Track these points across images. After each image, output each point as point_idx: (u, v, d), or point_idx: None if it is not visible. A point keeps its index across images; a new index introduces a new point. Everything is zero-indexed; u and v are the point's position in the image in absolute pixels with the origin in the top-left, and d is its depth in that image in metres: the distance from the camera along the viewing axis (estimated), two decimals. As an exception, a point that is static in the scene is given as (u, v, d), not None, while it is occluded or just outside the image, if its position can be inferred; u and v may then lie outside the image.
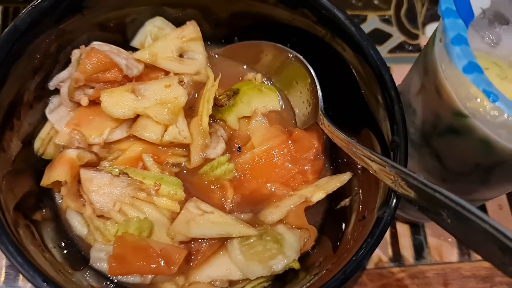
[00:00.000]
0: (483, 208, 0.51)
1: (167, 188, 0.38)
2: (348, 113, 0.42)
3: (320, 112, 0.40)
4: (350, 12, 0.60)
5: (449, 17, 0.30)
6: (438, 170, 0.39)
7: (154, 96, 0.40)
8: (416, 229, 0.49)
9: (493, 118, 0.29)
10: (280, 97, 0.45)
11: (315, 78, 0.41)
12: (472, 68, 0.29)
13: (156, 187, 0.38)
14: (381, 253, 0.48)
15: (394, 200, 0.34)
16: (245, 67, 0.46)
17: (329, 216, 0.41)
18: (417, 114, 0.38)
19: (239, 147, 0.42)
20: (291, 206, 0.40)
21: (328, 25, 0.40)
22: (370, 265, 0.47)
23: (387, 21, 0.60)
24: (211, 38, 0.46)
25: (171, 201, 0.38)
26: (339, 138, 0.38)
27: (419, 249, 0.48)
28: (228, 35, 0.46)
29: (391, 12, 0.60)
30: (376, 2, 0.60)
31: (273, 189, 0.41)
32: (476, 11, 0.31)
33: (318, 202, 0.40)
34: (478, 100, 0.29)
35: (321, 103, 0.40)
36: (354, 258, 0.32)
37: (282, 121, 0.44)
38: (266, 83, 0.45)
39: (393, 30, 0.59)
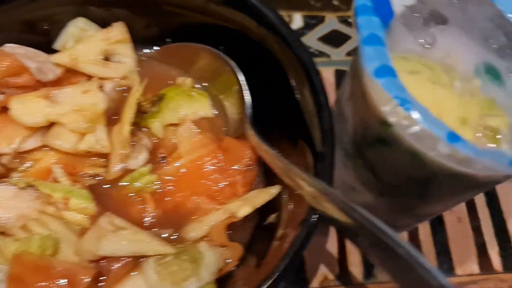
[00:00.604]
0: (440, 220, 0.47)
1: (77, 202, 0.35)
2: (284, 122, 0.38)
3: (246, 122, 0.37)
4: (308, 13, 0.56)
5: (364, 15, 0.27)
6: (374, 183, 0.35)
7: (70, 102, 0.37)
8: (367, 245, 0.46)
9: (407, 128, 0.25)
10: (212, 103, 0.41)
11: (242, 83, 0.38)
12: (385, 71, 0.25)
13: (65, 201, 0.35)
14: (327, 271, 0.44)
15: (315, 217, 0.30)
16: (177, 71, 0.42)
17: (258, 233, 0.38)
18: (349, 122, 0.34)
19: (163, 157, 0.39)
20: (215, 222, 0.36)
21: (261, 25, 0.37)
22: (315, 283, 0.44)
23: (346, 22, 0.56)
24: (142, 40, 0.42)
25: (81, 216, 0.35)
26: (264, 150, 0.34)
27: (369, 266, 0.45)
28: (160, 36, 0.43)
29: (350, 13, 0.57)
30: (335, 3, 0.57)
31: (198, 203, 0.38)
32: (398, 8, 0.28)
33: (246, 217, 0.37)
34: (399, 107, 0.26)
35: (248, 112, 0.37)
36: (267, 279, 0.29)
37: (214, 129, 0.41)
38: (198, 87, 0.42)
39: (352, 31, 0.56)
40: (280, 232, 0.34)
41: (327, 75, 0.53)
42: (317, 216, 0.30)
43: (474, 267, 0.46)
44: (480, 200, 0.49)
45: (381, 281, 0.44)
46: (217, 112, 0.41)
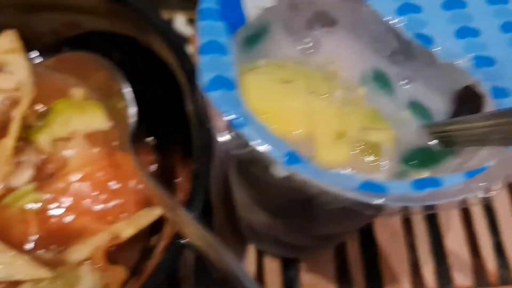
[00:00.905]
0: (370, 236, 0.44)
1: None
2: (175, 134, 0.36)
3: (128, 139, 0.34)
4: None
5: (206, 19, 0.24)
6: (263, 203, 0.33)
7: None
8: (288, 264, 0.43)
9: (241, 148, 0.22)
10: (109, 114, 0.39)
11: (127, 100, 0.35)
12: (220, 83, 0.22)
13: None
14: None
15: (178, 247, 0.28)
16: (74, 81, 0.40)
17: (143, 256, 0.35)
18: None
19: (51, 174, 0.36)
20: (99, 244, 0.34)
21: (149, 31, 0.34)
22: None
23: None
24: (37, 48, 0.40)
25: (-49, 239, 0.33)
26: (137, 170, 0.32)
27: (289, 281, 0.42)
28: (57, 45, 0.40)
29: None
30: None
31: (85, 223, 0.35)
32: (252, 12, 0.25)
33: (135, 238, 0.34)
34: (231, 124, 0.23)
35: (131, 129, 0.35)
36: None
37: (108, 142, 0.38)
38: (94, 98, 0.39)
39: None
40: (155, 254, 0.32)
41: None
42: (180, 243, 0.28)
43: (406, 286, 0.43)
44: (416, 213, 0.46)
45: (300, 303, 0.41)
46: (113, 125, 0.38)
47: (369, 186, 0.21)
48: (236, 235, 0.42)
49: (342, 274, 0.42)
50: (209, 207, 0.42)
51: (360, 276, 0.43)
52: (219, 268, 0.25)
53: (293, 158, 0.21)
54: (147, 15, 0.33)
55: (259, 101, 0.26)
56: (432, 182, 0.22)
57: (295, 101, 0.27)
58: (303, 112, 0.27)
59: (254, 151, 0.22)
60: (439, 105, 0.29)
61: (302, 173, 0.21)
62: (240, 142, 0.22)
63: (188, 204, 0.29)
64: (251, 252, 0.42)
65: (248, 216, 0.36)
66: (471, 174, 0.23)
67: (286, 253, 0.41)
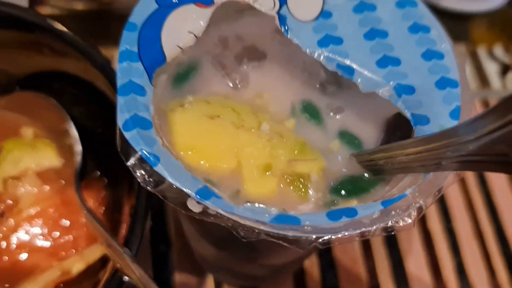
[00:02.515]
0: (331, 263, 0.44)
1: None
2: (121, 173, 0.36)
3: (74, 178, 0.34)
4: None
5: (125, 60, 0.24)
6: (206, 235, 0.32)
7: None
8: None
9: (154, 185, 0.22)
10: (61, 151, 0.39)
11: (73, 138, 0.35)
12: (135, 123, 0.23)
13: None
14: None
15: (115, 280, 0.27)
16: (26, 119, 0.40)
17: (92, 291, 0.35)
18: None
19: (2, 212, 0.36)
20: (49, 280, 0.34)
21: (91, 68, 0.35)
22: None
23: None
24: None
25: None
26: (80, 208, 0.32)
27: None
28: (8, 85, 0.40)
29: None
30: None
31: (37, 260, 0.35)
32: (170, 52, 0.25)
33: (85, 273, 0.34)
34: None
35: (77, 165, 0.35)
36: None
37: (60, 179, 0.38)
38: (44, 138, 0.39)
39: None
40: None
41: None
42: (118, 277, 0.27)
43: (366, 312, 0.42)
44: (376, 238, 0.46)
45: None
46: (63, 162, 0.38)
47: (284, 219, 0.21)
48: (194, 265, 0.41)
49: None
50: (167, 239, 0.42)
51: (321, 303, 0.43)
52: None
53: (205, 193, 0.21)
54: (89, 54, 0.33)
55: (187, 137, 0.26)
56: (348, 212, 0.22)
57: (223, 135, 0.27)
58: (231, 146, 0.27)
59: (169, 188, 0.22)
60: (369, 133, 0.29)
61: (213, 207, 0.21)
62: (153, 179, 0.22)
63: (126, 242, 0.28)
64: (209, 283, 0.42)
65: (198, 247, 0.36)
66: (388, 203, 0.23)
67: (243, 283, 0.41)
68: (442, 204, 0.48)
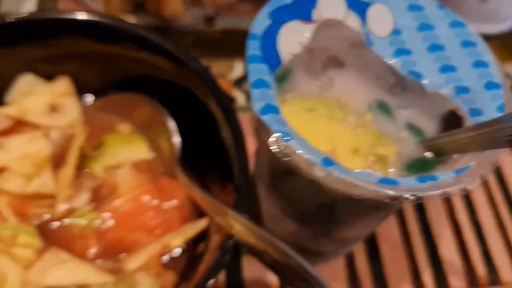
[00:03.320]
0: (375, 249, 0.52)
1: (24, 238, 0.40)
2: (212, 160, 0.44)
3: (176, 164, 0.42)
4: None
5: (253, 63, 0.33)
6: (292, 213, 0.41)
7: (18, 149, 0.43)
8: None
9: (289, 156, 0.31)
10: (150, 146, 0.47)
11: (172, 130, 0.44)
12: (268, 109, 0.31)
13: (13, 238, 0.40)
14: (267, 300, 0.49)
15: (230, 245, 0.35)
16: (120, 118, 0.48)
17: (191, 262, 0.43)
18: (263, 157, 0.40)
19: (105, 196, 0.44)
20: (151, 254, 0.41)
21: (189, 74, 0.43)
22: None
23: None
24: (87, 91, 0.48)
25: (28, 251, 0.40)
26: (189, 187, 0.40)
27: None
28: (103, 88, 0.49)
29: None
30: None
31: (137, 237, 0.43)
32: (286, 57, 0.34)
33: (180, 248, 0.42)
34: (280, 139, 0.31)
35: (177, 155, 0.43)
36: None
37: (151, 170, 0.46)
38: (138, 133, 0.48)
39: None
40: (205, 257, 0.39)
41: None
42: (233, 241, 0.35)
43: (408, 291, 0.51)
44: (413, 227, 0.55)
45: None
46: (155, 155, 0.47)
47: (385, 181, 0.30)
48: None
49: (352, 280, 0.50)
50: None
51: (368, 283, 0.51)
52: (272, 262, 0.33)
53: (327, 161, 0.30)
54: (191, 64, 0.42)
55: (292, 125, 0.35)
56: (431, 178, 0.31)
57: (319, 125, 0.36)
58: (326, 133, 0.36)
59: (297, 159, 0.30)
60: (429, 126, 0.38)
61: (335, 172, 0.30)
62: (287, 152, 0.30)
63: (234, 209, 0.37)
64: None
65: (275, 226, 0.44)
66: (458, 171, 0.32)
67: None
68: (467, 200, 0.58)
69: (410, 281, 0.52)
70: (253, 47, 0.33)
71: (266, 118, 0.31)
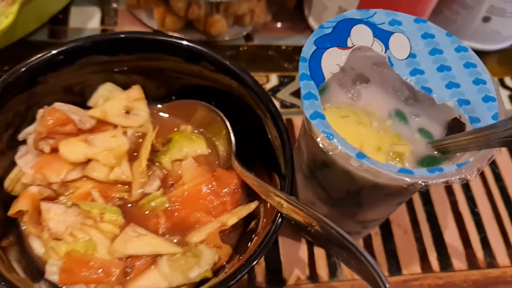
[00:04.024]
0: (389, 232, 0.62)
1: (110, 216, 0.50)
2: (259, 155, 0.54)
3: (232, 156, 0.52)
4: (282, 74, 0.73)
5: (304, 80, 0.43)
6: (325, 198, 0.51)
7: (102, 144, 0.53)
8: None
9: (332, 151, 0.40)
10: (207, 144, 0.57)
11: (230, 130, 0.54)
12: (316, 115, 0.41)
13: (101, 216, 0.50)
14: (300, 273, 0.58)
15: (279, 220, 0.45)
16: (180, 120, 0.58)
17: (243, 237, 0.53)
18: (304, 152, 0.50)
19: (172, 184, 0.54)
20: (211, 230, 0.51)
21: (241, 85, 0.53)
22: (290, 282, 0.57)
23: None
24: (153, 98, 0.58)
25: (113, 226, 0.50)
26: (245, 175, 0.50)
27: (333, 269, 0.59)
28: (167, 95, 0.59)
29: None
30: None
31: (198, 217, 0.53)
32: (327, 75, 0.44)
33: (233, 226, 0.52)
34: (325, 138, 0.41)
35: (233, 149, 0.53)
36: (244, 263, 0.43)
37: (208, 163, 0.56)
38: (196, 132, 0.58)
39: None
40: (257, 232, 0.49)
41: (297, 121, 0.69)
42: (282, 217, 0.45)
43: (417, 268, 0.61)
44: (421, 216, 0.64)
45: (341, 280, 0.58)
46: (210, 151, 0.57)
47: (403, 170, 0.40)
48: (292, 229, 0.59)
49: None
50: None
51: (383, 261, 0.60)
52: (315, 233, 0.42)
53: (360, 155, 0.40)
54: (243, 75, 0.52)
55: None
56: (438, 169, 0.41)
57: (350, 128, 0.46)
58: (356, 135, 0.45)
59: (338, 153, 0.40)
60: (437, 130, 0.48)
61: (366, 163, 0.39)
62: (330, 147, 0.40)
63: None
64: (303, 243, 0.60)
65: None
66: (460, 165, 0.41)
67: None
68: (468, 194, 0.67)
69: (419, 260, 0.61)
70: (303, 68, 0.43)
71: (315, 122, 0.41)
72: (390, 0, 0.68)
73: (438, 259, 0.62)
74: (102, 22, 0.75)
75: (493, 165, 0.71)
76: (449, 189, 0.68)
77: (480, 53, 0.82)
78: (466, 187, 0.68)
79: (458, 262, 0.62)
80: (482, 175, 0.69)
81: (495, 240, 0.64)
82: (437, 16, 0.80)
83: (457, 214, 0.66)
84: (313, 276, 0.58)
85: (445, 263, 0.61)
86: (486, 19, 0.77)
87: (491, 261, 0.63)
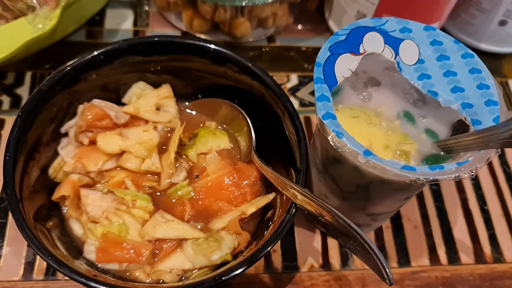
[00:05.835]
0: (400, 227, 0.66)
1: (141, 203, 0.56)
2: (277, 150, 0.59)
3: (252, 151, 0.57)
4: (302, 74, 0.78)
5: (318, 83, 0.48)
6: (337, 191, 0.55)
7: (135, 138, 0.59)
8: (343, 243, 0.65)
9: (342, 148, 0.45)
10: (230, 139, 0.62)
11: (251, 127, 0.59)
12: (328, 116, 0.46)
13: (133, 202, 0.56)
14: (314, 261, 0.63)
15: (294, 210, 0.50)
16: (205, 117, 0.64)
17: (260, 226, 0.58)
18: (318, 149, 0.54)
19: (197, 175, 0.60)
20: (232, 218, 0.56)
21: (262, 85, 0.58)
22: (304, 269, 0.62)
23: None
24: (181, 96, 0.64)
25: (143, 212, 0.56)
26: (263, 169, 0.55)
27: (345, 259, 0.64)
28: (193, 93, 0.64)
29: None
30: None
31: (220, 206, 0.58)
32: (340, 79, 0.49)
33: (252, 215, 0.57)
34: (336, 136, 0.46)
35: (253, 144, 0.58)
36: (260, 248, 0.48)
37: (230, 157, 0.61)
38: (220, 128, 0.63)
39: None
40: (273, 221, 0.54)
41: (315, 119, 0.74)
42: (296, 207, 0.50)
43: (425, 261, 0.65)
44: (432, 212, 0.68)
45: (353, 269, 0.63)
46: (233, 145, 0.62)
47: (406, 167, 0.44)
48: (307, 220, 0.64)
49: (380, 250, 0.64)
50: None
51: (394, 253, 0.65)
52: (326, 223, 0.47)
53: (367, 152, 0.44)
54: (264, 76, 0.57)
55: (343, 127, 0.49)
56: (439, 167, 0.45)
57: (361, 128, 0.50)
58: (365, 134, 0.50)
59: (347, 150, 0.45)
60: (442, 131, 0.52)
61: (372, 160, 0.44)
62: (340, 145, 0.45)
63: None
64: (317, 234, 0.65)
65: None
66: (459, 164, 0.45)
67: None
68: (480, 191, 0.71)
69: (427, 254, 0.65)
70: (318, 72, 0.48)
71: (327, 122, 0.45)
72: (408, 4, 0.71)
73: (446, 253, 0.66)
74: (135, 23, 0.80)
75: (505, 165, 0.74)
76: (460, 187, 0.71)
77: (497, 56, 0.87)
78: (476, 185, 0.72)
79: (466, 256, 0.66)
80: (493, 175, 0.73)
81: (503, 237, 0.68)
82: (454, 19, 0.83)
83: (466, 211, 0.69)
84: (325, 264, 0.63)
85: (453, 257, 0.65)
86: (502, 23, 0.80)
87: (498, 257, 0.66)
